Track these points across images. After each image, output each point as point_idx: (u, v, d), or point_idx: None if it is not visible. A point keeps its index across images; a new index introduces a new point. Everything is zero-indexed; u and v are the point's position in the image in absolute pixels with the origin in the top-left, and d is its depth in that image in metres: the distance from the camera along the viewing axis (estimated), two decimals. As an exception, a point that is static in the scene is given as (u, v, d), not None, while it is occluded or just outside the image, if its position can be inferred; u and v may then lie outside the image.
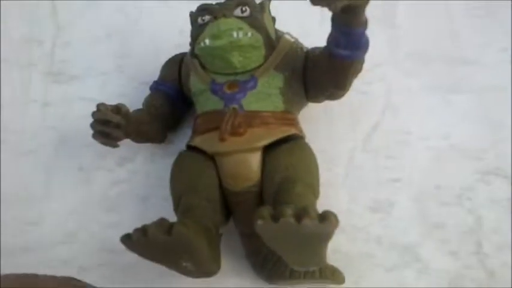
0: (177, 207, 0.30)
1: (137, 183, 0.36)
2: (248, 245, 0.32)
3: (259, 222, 0.23)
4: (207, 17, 0.30)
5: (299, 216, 0.23)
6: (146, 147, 0.36)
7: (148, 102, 0.34)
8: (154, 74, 0.36)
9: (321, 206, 0.33)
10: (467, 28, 0.41)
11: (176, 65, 0.34)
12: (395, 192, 0.35)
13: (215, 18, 0.30)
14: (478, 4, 0.42)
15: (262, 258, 0.31)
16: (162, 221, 0.26)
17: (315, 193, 0.29)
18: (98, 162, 0.36)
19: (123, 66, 0.40)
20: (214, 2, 0.31)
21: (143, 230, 0.25)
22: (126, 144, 0.35)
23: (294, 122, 0.32)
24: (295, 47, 0.32)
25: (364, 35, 0.27)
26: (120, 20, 0.42)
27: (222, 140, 0.29)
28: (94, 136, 0.31)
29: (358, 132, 0.37)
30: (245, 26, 0.30)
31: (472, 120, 0.37)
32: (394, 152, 0.36)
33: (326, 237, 0.24)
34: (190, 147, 0.31)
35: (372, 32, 0.28)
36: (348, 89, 0.31)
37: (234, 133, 0.29)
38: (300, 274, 0.30)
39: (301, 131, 0.32)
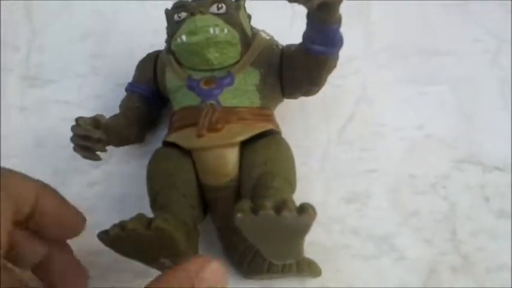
0: (154, 204, 0.30)
1: (113, 184, 0.36)
2: (225, 240, 0.32)
3: (239, 215, 0.23)
4: (183, 14, 0.31)
5: (278, 209, 0.23)
6: (121, 148, 0.36)
7: (124, 105, 0.34)
8: (129, 74, 0.36)
9: (297, 199, 0.33)
10: (440, 20, 0.42)
11: (151, 64, 0.35)
12: (370, 183, 0.35)
13: (192, 14, 0.30)
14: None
15: (239, 254, 0.31)
16: (140, 216, 0.26)
17: (292, 187, 0.30)
18: (73, 164, 0.36)
19: (99, 68, 0.40)
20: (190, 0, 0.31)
21: (121, 225, 0.25)
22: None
23: (270, 118, 0.32)
24: (271, 44, 0.33)
25: (338, 32, 0.28)
26: (94, 21, 0.42)
27: (199, 135, 0.29)
28: (75, 150, 0.31)
29: (332, 125, 0.37)
30: (221, 22, 0.30)
31: (446, 110, 0.38)
32: (369, 144, 0.37)
33: (304, 229, 0.24)
34: (166, 144, 0.32)
35: (347, 26, 0.28)
36: (322, 85, 0.32)
37: (212, 129, 0.29)
38: (278, 268, 0.30)
39: (277, 126, 0.32)
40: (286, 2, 0.39)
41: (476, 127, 0.37)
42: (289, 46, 0.32)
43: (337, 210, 0.34)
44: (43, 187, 0.26)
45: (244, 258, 0.31)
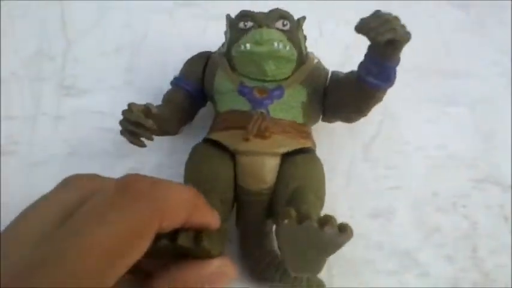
0: None
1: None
2: (245, 244, 0.33)
3: (286, 221, 0.24)
4: (249, 23, 0.32)
5: (322, 223, 0.24)
6: (154, 158, 0.37)
7: (169, 98, 0.35)
8: (161, 87, 0.37)
9: (323, 214, 0.35)
10: (459, 43, 0.44)
11: (202, 62, 0.36)
12: (394, 199, 0.37)
13: (259, 26, 0.31)
14: (470, 19, 0.44)
15: (255, 258, 0.32)
16: (187, 232, 0.26)
17: (322, 204, 0.31)
18: (105, 173, 0.37)
19: (132, 80, 0.41)
20: (255, 11, 0.33)
21: (171, 238, 0.25)
22: (135, 154, 0.36)
23: (309, 136, 0.33)
24: (319, 66, 0.34)
25: (395, 69, 0.29)
26: (127, 34, 0.43)
27: (245, 139, 0.30)
28: (122, 133, 0.31)
29: (357, 142, 0.39)
30: (285, 38, 0.31)
31: (466, 130, 0.40)
32: (393, 162, 0.38)
33: (339, 246, 0.25)
34: (207, 141, 0.32)
35: None
36: (365, 115, 0.33)
37: (259, 135, 0.30)
38: (289, 279, 0.31)
39: (315, 145, 0.34)
40: (314, 25, 0.41)
41: (494, 148, 0.39)
42: (337, 72, 0.34)
43: (362, 226, 0.35)
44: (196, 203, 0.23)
45: (258, 264, 0.32)
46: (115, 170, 0.38)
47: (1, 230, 0.19)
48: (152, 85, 0.39)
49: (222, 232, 0.28)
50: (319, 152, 0.38)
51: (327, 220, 0.24)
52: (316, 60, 0.34)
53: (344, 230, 0.24)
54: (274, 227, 0.32)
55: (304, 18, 0.34)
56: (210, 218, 0.23)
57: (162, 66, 0.41)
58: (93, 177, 0.21)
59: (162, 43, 0.43)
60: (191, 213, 0.21)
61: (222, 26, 0.35)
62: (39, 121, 0.39)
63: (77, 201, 0.19)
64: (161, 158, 0.38)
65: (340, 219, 0.35)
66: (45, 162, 0.39)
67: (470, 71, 0.42)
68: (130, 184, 0.18)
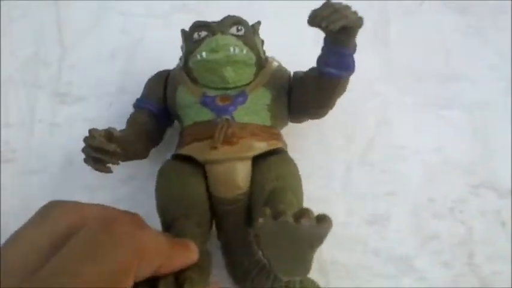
0: (167, 230, 0.30)
1: (141, 200, 0.37)
2: (230, 254, 0.33)
3: (261, 220, 0.24)
4: (203, 33, 0.32)
5: (298, 217, 0.24)
6: (149, 165, 0.37)
7: (132, 120, 0.35)
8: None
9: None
10: (457, 46, 0.44)
11: (161, 81, 0.35)
12: (390, 205, 0.36)
13: (213, 34, 0.31)
14: (468, 23, 0.44)
15: (244, 269, 0.32)
16: (167, 277, 0.25)
17: (300, 203, 0.31)
18: (101, 181, 0.37)
19: (127, 86, 0.41)
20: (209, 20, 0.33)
21: (151, 285, 0.24)
22: (131, 162, 0.36)
23: (279, 137, 0.33)
24: (281, 68, 0.34)
25: (352, 57, 0.29)
26: (122, 40, 0.43)
27: (213, 148, 0.30)
28: (86, 161, 0.31)
29: (353, 147, 0.39)
30: (240, 43, 0.31)
31: (463, 135, 0.39)
32: (389, 166, 0.38)
33: (320, 238, 0.25)
34: (176, 158, 0.32)
35: (366, 50, 0.30)
36: (331, 108, 0.33)
37: (227, 142, 0.30)
38: (282, 285, 0.30)
39: (286, 145, 0.33)
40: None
41: (492, 153, 0.39)
42: (297, 72, 0.34)
43: (358, 231, 0.36)
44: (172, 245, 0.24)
45: (248, 273, 0.32)
46: (111, 178, 0.38)
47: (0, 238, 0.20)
48: (148, 91, 0.39)
49: (204, 260, 0.28)
50: (315, 159, 0.38)
51: (303, 213, 0.24)
52: (276, 64, 0.34)
53: (322, 221, 0.24)
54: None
55: (259, 23, 0.35)
56: (188, 256, 0.25)
57: (157, 71, 0.41)
58: (74, 208, 0.21)
59: (157, 48, 0.43)
60: (168, 256, 0.22)
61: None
62: (35, 128, 0.39)
63: (60, 236, 0.19)
64: (156, 166, 0.38)
65: (336, 225, 0.35)
66: (42, 170, 0.39)
67: (468, 75, 0.42)
68: (113, 224, 0.19)
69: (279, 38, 0.43)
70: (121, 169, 0.37)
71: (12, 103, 0.40)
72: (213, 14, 0.44)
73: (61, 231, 0.19)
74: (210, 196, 0.31)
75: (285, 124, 0.35)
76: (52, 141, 0.39)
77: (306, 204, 0.31)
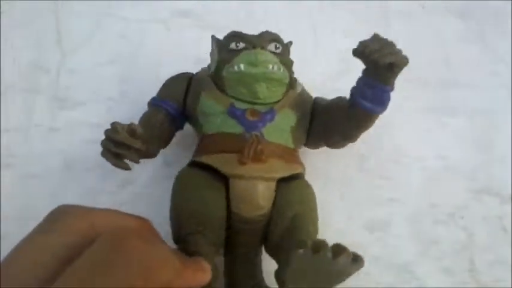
0: (178, 241, 0.30)
1: (140, 204, 0.37)
2: (233, 275, 0.32)
3: (301, 251, 0.24)
4: (241, 44, 0.32)
5: (337, 253, 0.24)
6: (147, 169, 0.37)
7: (148, 119, 0.34)
8: (157, 98, 0.37)
9: (319, 226, 0.35)
10: (458, 53, 0.43)
11: (184, 83, 0.34)
12: (391, 211, 0.36)
13: (253, 47, 0.31)
14: (470, 30, 0.44)
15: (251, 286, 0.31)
16: None
17: (317, 232, 0.30)
18: (100, 185, 0.37)
19: (126, 91, 0.41)
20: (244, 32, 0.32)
21: None
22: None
23: (300, 161, 0.33)
24: (305, 92, 0.34)
25: (389, 94, 0.29)
26: (122, 45, 0.43)
27: (242, 163, 0.29)
28: (104, 155, 0.29)
29: (354, 153, 0.38)
30: (278, 61, 0.31)
31: (464, 141, 0.39)
32: (390, 172, 0.38)
33: (349, 275, 0.25)
34: (195, 165, 0.31)
35: None
36: (355, 141, 0.32)
37: (256, 159, 0.29)
38: None
39: (305, 170, 0.33)
40: (310, 33, 0.40)
41: (493, 159, 0.39)
42: (320, 98, 0.33)
43: (358, 238, 0.35)
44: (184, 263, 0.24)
45: None
46: (110, 183, 0.38)
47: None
48: (147, 96, 0.39)
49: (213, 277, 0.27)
50: (315, 163, 0.38)
51: (342, 250, 0.24)
52: (301, 87, 0.34)
53: (358, 260, 0.24)
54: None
55: (291, 43, 0.34)
56: (201, 277, 0.24)
57: (157, 77, 0.41)
58: (84, 215, 0.21)
59: (157, 54, 0.42)
60: (180, 274, 0.21)
61: (219, 36, 0.35)
62: (34, 133, 0.39)
63: (71, 247, 0.19)
64: (156, 170, 0.38)
65: (336, 231, 0.35)
66: (41, 174, 0.39)
67: (470, 82, 0.42)
68: (124, 240, 0.19)
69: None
70: (122, 173, 0.37)
71: (11, 108, 0.40)
72: (213, 20, 0.45)
73: (71, 240, 0.19)
74: (228, 212, 0.30)
75: (300, 148, 0.34)
76: (51, 146, 0.39)
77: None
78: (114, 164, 0.30)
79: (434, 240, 0.35)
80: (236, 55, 0.31)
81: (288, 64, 0.32)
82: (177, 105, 0.34)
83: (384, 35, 0.43)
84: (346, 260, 0.24)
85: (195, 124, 0.34)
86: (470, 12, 0.45)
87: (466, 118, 0.40)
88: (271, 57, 0.31)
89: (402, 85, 0.41)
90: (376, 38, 0.27)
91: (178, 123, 0.35)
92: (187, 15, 0.45)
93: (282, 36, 0.43)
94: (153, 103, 0.34)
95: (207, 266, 0.25)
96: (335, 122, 0.31)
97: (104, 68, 0.42)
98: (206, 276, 0.24)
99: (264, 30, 0.33)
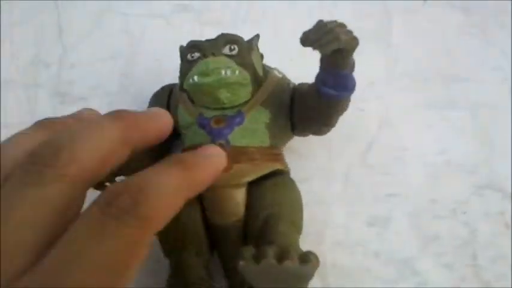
0: (168, 257, 0.30)
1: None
2: (231, 278, 0.32)
3: (242, 263, 0.24)
4: (196, 54, 0.31)
5: (280, 258, 0.23)
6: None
7: None
8: (157, 93, 0.37)
9: (319, 222, 0.35)
10: (461, 47, 0.43)
11: (165, 98, 0.35)
12: (392, 207, 0.36)
13: (204, 56, 0.30)
14: (472, 23, 0.44)
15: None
16: None
17: (298, 230, 0.30)
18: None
19: (128, 86, 0.41)
20: (208, 38, 0.32)
21: None
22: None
23: (279, 157, 0.32)
24: (282, 83, 0.33)
25: (351, 76, 0.28)
26: (123, 40, 0.43)
27: None
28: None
29: (355, 148, 0.38)
30: (233, 64, 0.30)
31: (466, 136, 0.39)
32: (391, 168, 0.37)
33: (307, 278, 0.24)
34: None
35: (368, 50, 0.29)
36: (333, 126, 0.32)
37: None
38: None
39: (286, 166, 0.32)
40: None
41: (495, 153, 0.38)
42: (301, 85, 0.33)
43: (358, 234, 0.35)
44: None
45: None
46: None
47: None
48: (148, 91, 0.39)
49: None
50: (316, 160, 0.37)
51: (286, 253, 0.23)
52: (280, 76, 0.33)
53: (306, 261, 0.23)
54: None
55: (258, 36, 0.33)
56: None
57: (158, 71, 0.41)
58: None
59: (158, 49, 0.42)
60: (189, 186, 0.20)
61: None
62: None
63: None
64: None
65: (336, 227, 0.35)
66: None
67: (471, 76, 0.41)
68: (114, 200, 0.17)
69: (280, 38, 0.43)
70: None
71: (12, 103, 0.40)
72: (214, 15, 0.44)
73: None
74: (206, 222, 0.30)
75: (288, 139, 0.34)
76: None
77: (305, 207, 0.31)
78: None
79: (435, 236, 0.35)
80: (192, 66, 0.31)
81: (246, 63, 0.31)
82: None
83: (385, 30, 0.44)
84: (292, 263, 0.23)
85: (181, 138, 0.34)
86: (472, 6, 0.44)
87: (467, 113, 0.39)
88: (224, 62, 0.30)
89: (403, 79, 0.41)
90: (317, 25, 0.26)
91: (169, 139, 0.34)
92: (188, 11, 0.45)
93: (282, 32, 0.43)
94: None
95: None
96: (311, 111, 0.31)
97: (105, 63, 0.42)
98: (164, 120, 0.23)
99: (258, 27, 0.33)
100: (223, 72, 0.29)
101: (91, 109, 0.25)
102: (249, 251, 0.24)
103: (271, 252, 0.23)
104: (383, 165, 0.37)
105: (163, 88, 0.36)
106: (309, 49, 0.42)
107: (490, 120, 0.39)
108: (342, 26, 0.26)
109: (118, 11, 0.44)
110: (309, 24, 0.45)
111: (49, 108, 0.40)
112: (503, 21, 0.43)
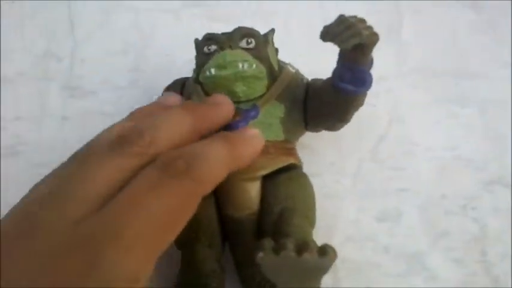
0: (181, 249, 0.30)
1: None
2: (243, 271, 0.32)
3: (261, 254, 0.24)
4: (213, 47, 0.31)
5: (300, 250, 0.23)
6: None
7: None
8: (168, 87, 0.37)
9: (330, 216, 0.35)
10: (471, 43, 0.43)
11: (178, 91, 0.34)
12: (402, 202, 0.36)
13: (221, 49, 0.30)
14: (482, 20, 0.44)
15: (256, 284, 0.31)
16: None
17: (312, 224, 0.30)
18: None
19: (138, 81, 0.41)
20: (220, 32, 0.32)
21: None
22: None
23: (292, 152, 0.32)
24: (296, 78, 0.33)
25: (369, 73, 0.28)
26: (133, 34, 0.43)
27: None
28: None
29: (365, 143, 0.38)
30: (250, 57, 0.30)
31: (476, 132, 0.39)
32: (401, 163, 0.37)
33: (324, 270, 0.25)
34: None
35: (379, 46, 0.29)
36: (348, 121, 0.32)
37: None
38: None
39: (299, 160, 0.32)
40: (321, 26, 0.40)
41: (505, 149, 0.38)
42: (315, 80, 0.33)
43: (369, 228, 0.35)
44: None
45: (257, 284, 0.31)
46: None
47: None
48: (158, 85, 0.39)
49: (216, 280, 0.28)
50: (327, 155, 0.38)
51: (306, 246, 0.23)
52: (293, 71, 0.33)
53: (325, 253, 0.23)
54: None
55: (273, 31, 0.33)
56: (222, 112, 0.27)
57: (168, 66, 0.41)
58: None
59: (168, 43, 0.43)
60: (232, 159, 0.23)
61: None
62: (46, 122, 0.39)
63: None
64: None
65: (347, 222, 0.35)
66: (52, 163, 0.38)
67: (481, 72, 0.41)
68: (172, 162, 0.20)
69: (291, 36, 0.43)
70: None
71: (23, 97, 0.40)
72: (224, 10, 0.44)
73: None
74: (220, 214, 0.30)
75: (301, 134, 0.34)
76: (62, 134, 0.39)
77: (317, 202, 0.31)
78: None
79: (445, 231, 0.35)
80: (209, 59, 0.30)
81: (263, 57, 0.31)
82: None
83: (396, 27, 0.44)
84: (310, 256, 0.23)
85: None
86: (482, 4, 0.44)
87: (477, 108, 0.40)
88: (240, 55, 0.30)
89: (413, 75, 0.41)
90: (338, 19, 0.25)
91: None
92: (198, 6, 0.45)
93: (292, 28, 0.43)
94: None
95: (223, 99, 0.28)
96: (326, 106, 0.31)
97: (116, 57, 0.42)
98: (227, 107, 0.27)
99: (268, 23, 0.33)
100: (240, 65, 0.29)
101: (173, 94, 0.31)
102: (268, 242, 0.24)
103: (290, 244, 0.24)
104: (393, 160, 0.38)
105: (175, 82, 0.36)
106: (318, 45, 0.43)
107: (499, 116, 0.39)
108: (363, 21, 0.26)
109: (128, 6, 0.44)
110: (319, 21, 0.45)
111: (59, 101, 0.40)
112: (511, 19, 0.43)
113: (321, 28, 0.26)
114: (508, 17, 0.44)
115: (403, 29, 0.43)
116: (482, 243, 0.35)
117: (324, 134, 0.36)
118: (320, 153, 0.37)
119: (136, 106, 0.39)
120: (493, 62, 0.42)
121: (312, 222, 0.30)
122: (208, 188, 0.21)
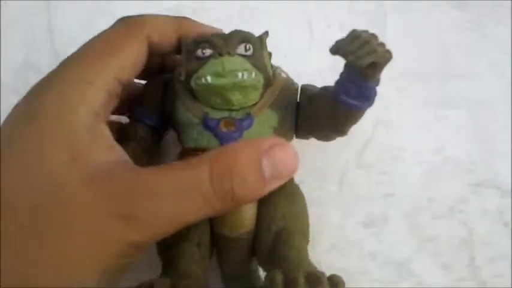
0: (166, 251, 0.29)
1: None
2: (230, 285, 0.31)
3: None
4: (208, 51, 0.28)
5: (312, 285, 0.22)
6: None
7: (130, 135, 0.32)
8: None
9: (314, 223, 0.34)
10: (457, 44, 0.42)
11: (160, 88, 0.32)
12: (388, 207, 0.36)
13: (219, 54, 0.28)
14: (468, 19, 0.43)
15: None
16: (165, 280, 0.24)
17: (307, 240, 0.29)
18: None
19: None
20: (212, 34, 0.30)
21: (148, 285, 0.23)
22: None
23: None
24: (288, 84, 0.31)
25: (375, 90, 0.27)
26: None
27: None
28: None
29: (350, 148, 0.38)
30: (249, 66, 0.28)
31: (464, 134, 0.38)
32: (387, 167, 0.37)
33: None
34: None
35: None
36: (346, 134, 0.31)
37: None
38: None
39: None
40: (304, 26, 0.39)
41: (493, 151, 0.38)
42: (308, 86, 0.31)
43: (354, 235, 0.35)
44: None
45: None
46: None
47: None
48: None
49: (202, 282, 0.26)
50: (311, 160, 0.37)
51: (317, 280, 0.22)
52: (285, 76, 0.32)
53: (335, 286, 0.22)
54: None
55: (266, 33, 0.31)
56: (203, 28, 0.31)
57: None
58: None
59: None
60: (179, 27, 0.30)
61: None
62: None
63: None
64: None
65: (331, 228, 0.35)
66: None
67: (469, 73, 0.41)
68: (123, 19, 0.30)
69: (279, 37, 0.42)
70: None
71: (3, 109, 0.40)
72: (220, 11, 0.44)
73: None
74: (212, 232, 0.29)
75: (289, 141, 0.32)
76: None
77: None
78: None
79: (432, 236, 0.35)
80: (203, 64, 0.28)
81: (261, 65, 0.29)
82: (158, 115, 0.32)
83: (380, 29, 0.43)
84: None
85: (176, 131, 0.32)
86: (468, 2, 0.44)
87: (465, 110, 0.39)
88: (240, 64, 0.28)
89: (399, 78, 0.41)
90: (353, 35, 0.24)
91: (163, 131, 0.34)
92: (181, 12, 0.44)
93: (276, 31, 0.43)
94: (136, 117, 0.32)
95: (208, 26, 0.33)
96: (322, 116, 0.29)
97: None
98: (209, 29, 0.33)
99: (252, 25, 0.32)
100: (240, 74, 0.27)
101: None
102: (279, 276, 0.23)
103: (301, 279, 0.22)
104: (379, 165, 0.37)
105: (157, 81, 0.33)
106: (303, 48, 0.43)
107: (487, 117, 0.39)
108: (375, 37, 0.25)
109: (109, 14, 0.44)
110: (302, 21, 0.45)
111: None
112: (501, 16, 0.43)
113: (304, 28, 0.25)
114: (495, 15, 0.43)
115: (387, 32, 0.43)
116: (471, 247, 0.34)
117: (309, 139, 0.36)
118: (305, 159, 0.36)
119: (117, 116, 0.39)
120: (480, 62, 0.41)
121: (307, 238, 0.29)
122: None
